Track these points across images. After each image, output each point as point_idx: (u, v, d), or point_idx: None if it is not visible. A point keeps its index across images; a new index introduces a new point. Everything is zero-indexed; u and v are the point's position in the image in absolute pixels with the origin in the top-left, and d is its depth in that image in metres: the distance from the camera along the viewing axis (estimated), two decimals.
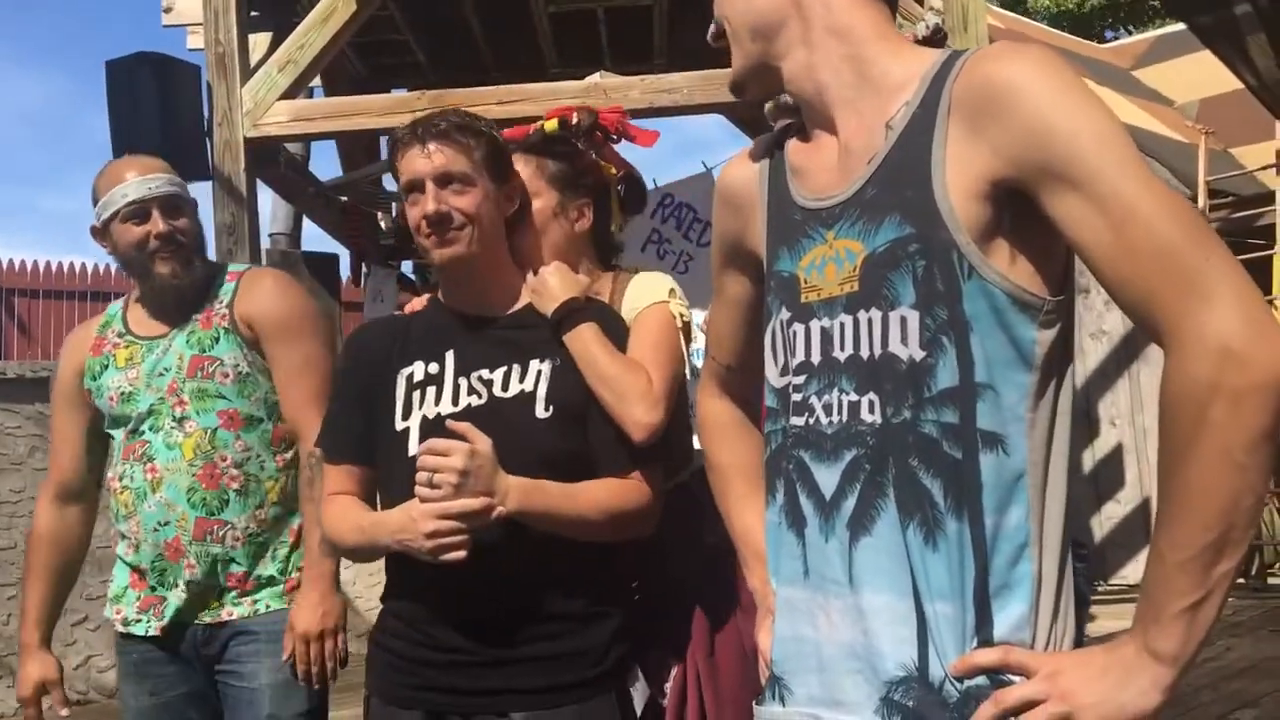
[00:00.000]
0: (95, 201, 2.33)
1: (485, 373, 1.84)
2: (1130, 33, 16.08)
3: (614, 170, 2.19)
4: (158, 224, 2.28)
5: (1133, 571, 7.65)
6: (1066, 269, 1.13)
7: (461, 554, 1.65)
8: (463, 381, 1.83)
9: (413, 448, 1.79)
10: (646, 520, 1.85)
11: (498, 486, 1.67)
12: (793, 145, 1.30)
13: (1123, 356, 7.89)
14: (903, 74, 1.17)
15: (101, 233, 2.34)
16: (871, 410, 1.14)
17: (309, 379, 2.29)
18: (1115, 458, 7.91)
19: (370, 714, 1.88)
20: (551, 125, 2.11)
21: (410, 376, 1.86)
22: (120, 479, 2.30)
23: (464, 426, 1.68)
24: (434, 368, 1.85)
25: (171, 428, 2.27)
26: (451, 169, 1.82)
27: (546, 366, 1.84)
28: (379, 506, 1.90)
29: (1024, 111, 1.05)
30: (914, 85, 1.15)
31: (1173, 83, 10.56)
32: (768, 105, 1.92)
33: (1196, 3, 4.88)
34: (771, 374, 1.27)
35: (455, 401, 1.82)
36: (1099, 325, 7.75)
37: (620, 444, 1.83)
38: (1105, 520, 7.82)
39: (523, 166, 2.03)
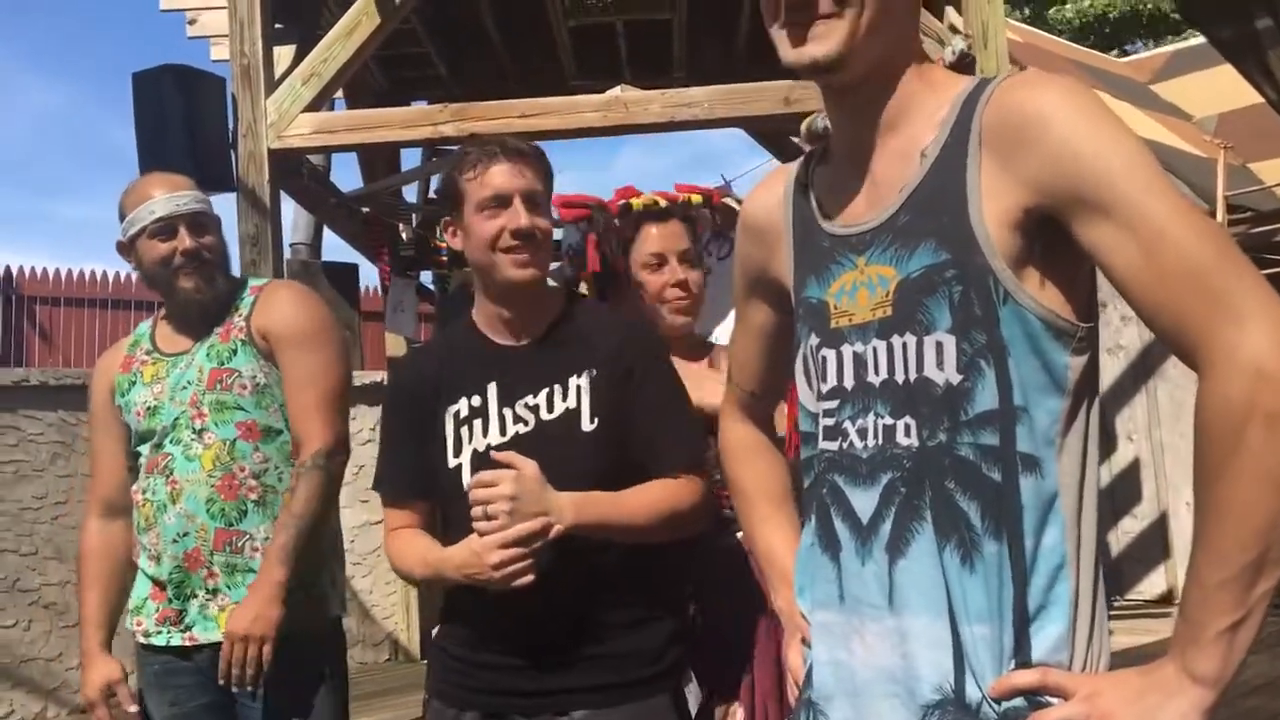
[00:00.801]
0: (122, 218, 2.37)
1: (530, 399, 1.87)
2: (1149, 47, 16.05)
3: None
4: (184, 240, 2.32)
5: (1149, 586, 7.62)
6: (1091, 296, 1.14)
7: (530, 577, 1.71)
8: (507, 412, 1.87)
9: (467, 482, 1.82)
10: (699, 518, 1.91)
11: (550, 505, 1.72)
12: (818, 173, 1.30)
13: (1140, 372, 7.87)
14: (935, 101, 1.18)
15: (128, 249, 2.38)
16: (908, 434, 1.15)
17: (315, 387, 2.31)
18: (1132, 473, 7.88)
19: (430, 714, 1.94)
20: (697, 199, 2.44)
21: (457, 414, 1.90)
22: (143, 492, 2.33)
23: (507, 455, 1.75)
24: (477, 400, 1.89)
25: (191, 440, 2.29)
26: (535, 190, 1.89)
27: (585, 380, 1.87)
28: (441, 540, 1.92)
29: (1052, 140, 1.06)
30: (944, 112, 1.16)
31: (1191, 97, 10.53)
32: (803, 126, 1.98)
33: (1217, 16, 4.88)
34: (806, 399, 1.28)
35: (503, 432, 1.87)
36: (1116, 340, 7.73)
37: (667, 446, 1.88)
38: (1122, 535, 7.79)
39: (676, 228, 2.36)
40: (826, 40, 1.15)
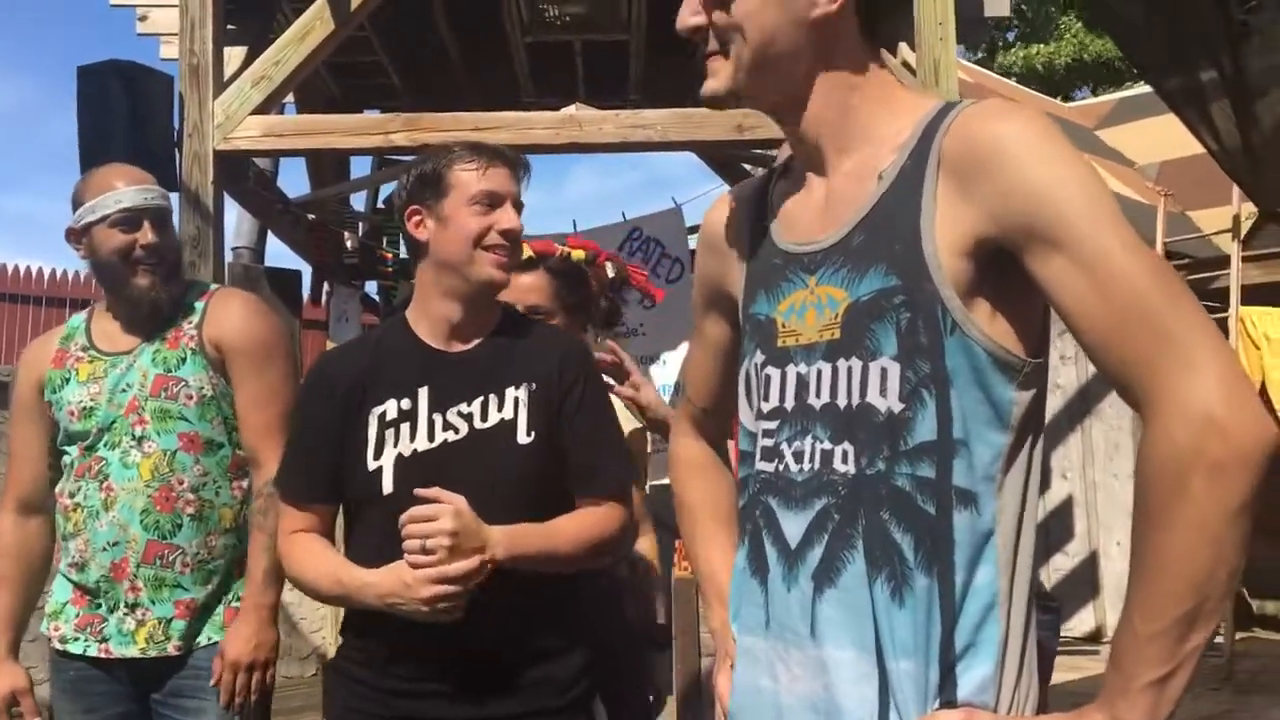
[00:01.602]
0: (76, 205, 2.29)
1: (464, 406, 1.84)
2: (1096, 94, 16.39)
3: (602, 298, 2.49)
4: (147, 235, 2.26)
5: (1078, 623, 7.71)
6: (1043, 332, 1.13)
7: (459, 614, 1.69)
8: (438, 418, 1.84)
9: (387, 486, 1.80)
10: (621, 544, 1.94)
11: (486, 539, 1.71)
12: (778, 189, 1.29)
13: (1075, 410, 8.00)
14: (896, 124, 1.17)
15: (79, 235, 2.30)
16: (845, 460, 1.13)
17: (271, 408, 2.26)
18: (1065, 510, 8.00)
19: None
20: (579, 255, 2.36)
21: (383, 415, 1.85)
22: (71, 496, 2.25)
23: (434, 491, 1.71)
24: (406, 404, 1.85)
25: (130, 446, 2.22)
26: (520, 201, 1.91)
27: (523, 393, 1.86)
28: (343, 544, 1.89)
29: (1010, 172, 1.05)
30: (905, 135, 1.15)
31: (1134, 144, 10.75)
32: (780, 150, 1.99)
33: (1164, 67, 4.99)
34: (746, 417, 1.27)
35: (431, 438, 1.83)
36: (1054, 379, 7.86)
37: (594, 470, 1.88)
38: (1054, 572, 7.89)
39: (538, 281, 2.30)
40: (717, 77, 1.21)
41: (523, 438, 1.84)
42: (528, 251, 2.31)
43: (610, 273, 2.37)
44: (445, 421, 1.83)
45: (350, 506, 1.90)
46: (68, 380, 2.31)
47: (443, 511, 1.68)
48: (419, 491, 1.72)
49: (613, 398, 2.05)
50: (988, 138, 1.08)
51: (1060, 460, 8.02)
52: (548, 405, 1.86)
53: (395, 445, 1.83)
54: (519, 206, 1.90)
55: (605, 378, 2.13)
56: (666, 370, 5.02)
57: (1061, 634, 7.58)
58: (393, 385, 1.86)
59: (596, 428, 1.91)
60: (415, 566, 1.68)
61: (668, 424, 2.09)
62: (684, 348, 4.79)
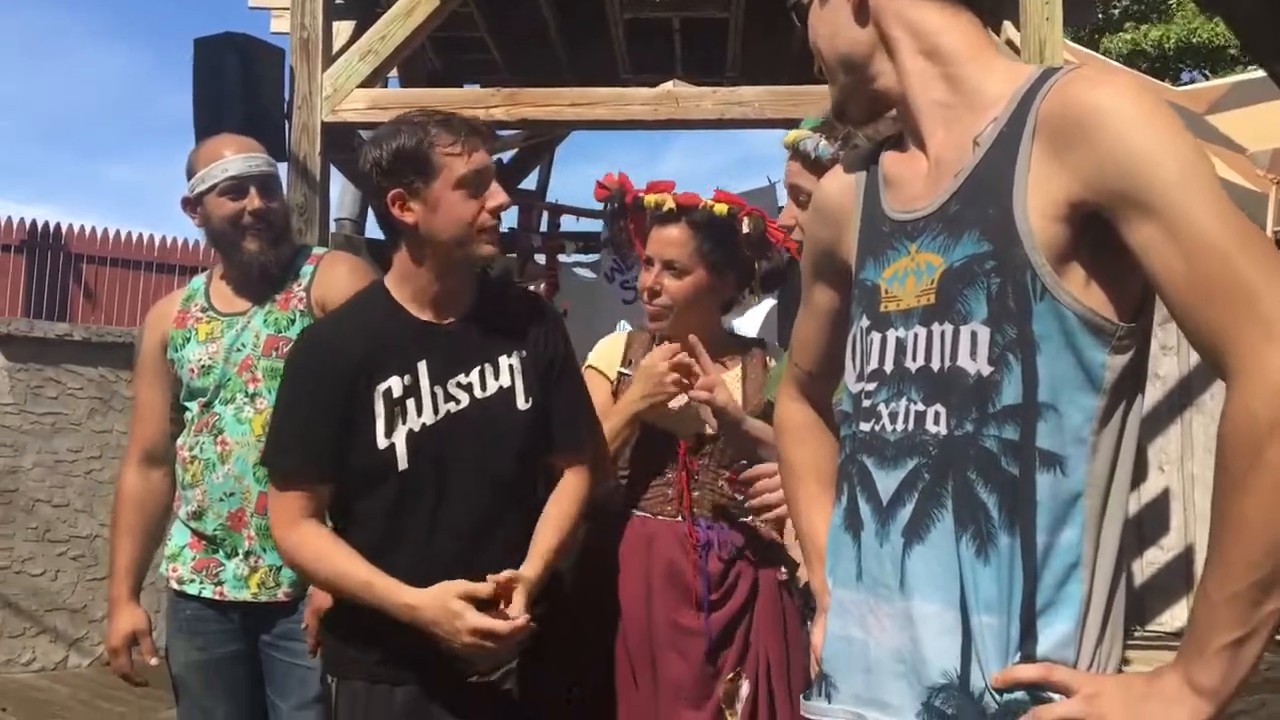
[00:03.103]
0: (190, 175, 2.40)
1: (462, 377, 1.89)
2: (1207, 77, 15.86)
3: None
4: (254, 201, 2.36)
5: (1170, 619, 7.55)
6: (1143, 297, 1.13)
7: (495, 661, 1.86)
8: (439, 390, 1.89)
9: (402, 463, 1.85)
10: (597, 491, 2.07)
11: (533, 583, 1.86)
12: (889, 156, 1.32)
13: (1175, 402, 7.79)
14: (995, 91, 1.19)
15: (193, 204, 2.41)
16: (937, 421, 1.16)
17: None
18: (1161, 503, 7.81)
19: (343, 697, 1.92)
20: (722, 209, 2.29)
21: (389, 392, 1.87)
22: (190, 449, 2.37)
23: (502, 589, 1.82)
24: (408, 379, 1.88)
25: (243, 403, 2.33)
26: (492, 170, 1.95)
27: (516, 360, 1.94)
28: (346, 522, 1.92)
29: (1108, 137, 1.06)
30: (1004, 103, 1.17)
31: (1246, 130, 10.39)
32: (789, 139, 1.97)
33: (1275, 50, 4.83)
34: (850, 379, 1.30)
35: (436, 411, 1.88)
36: (1154, 369, 7.67)
37: (575, 434, 2.00)
38: (1146, 565, 7.72)
39: (680, 235, 2.26)
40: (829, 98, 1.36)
41: (521, 404, 1.92)
42: (670, 203, 2.29)
43: (746, 228, 2.33)
44: (446, 393, 1.89)
45: (351, 483, 1.89)
46: (188, 339, 2.42)
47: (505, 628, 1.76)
48: (492, 590, 1.81)
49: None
50: (1086, 103, 1.09)
51: (1158, 452, 7.82)
52: (537, 371, 1.94)
53: (404, 422, 1.86)
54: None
55: (676, 377, 2.14)
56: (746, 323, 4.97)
57: (1152, 628, 7.40)
58: (392, 361, 1.88)
59: (578, 393, 2.05)
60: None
61: (739, 427, 2.10)
62: (765, 306, 4.77)
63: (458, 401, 1.88)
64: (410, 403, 1.87)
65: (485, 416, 1.89)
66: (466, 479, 1.87)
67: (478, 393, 1.89)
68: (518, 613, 1.77)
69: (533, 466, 1.96)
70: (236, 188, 2.35)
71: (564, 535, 1.95)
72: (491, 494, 1.89)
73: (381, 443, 1.85)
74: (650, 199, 2.31)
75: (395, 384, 1.87)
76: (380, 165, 1.86)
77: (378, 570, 1.81)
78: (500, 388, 1.91)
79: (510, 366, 1.92)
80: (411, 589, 1.78)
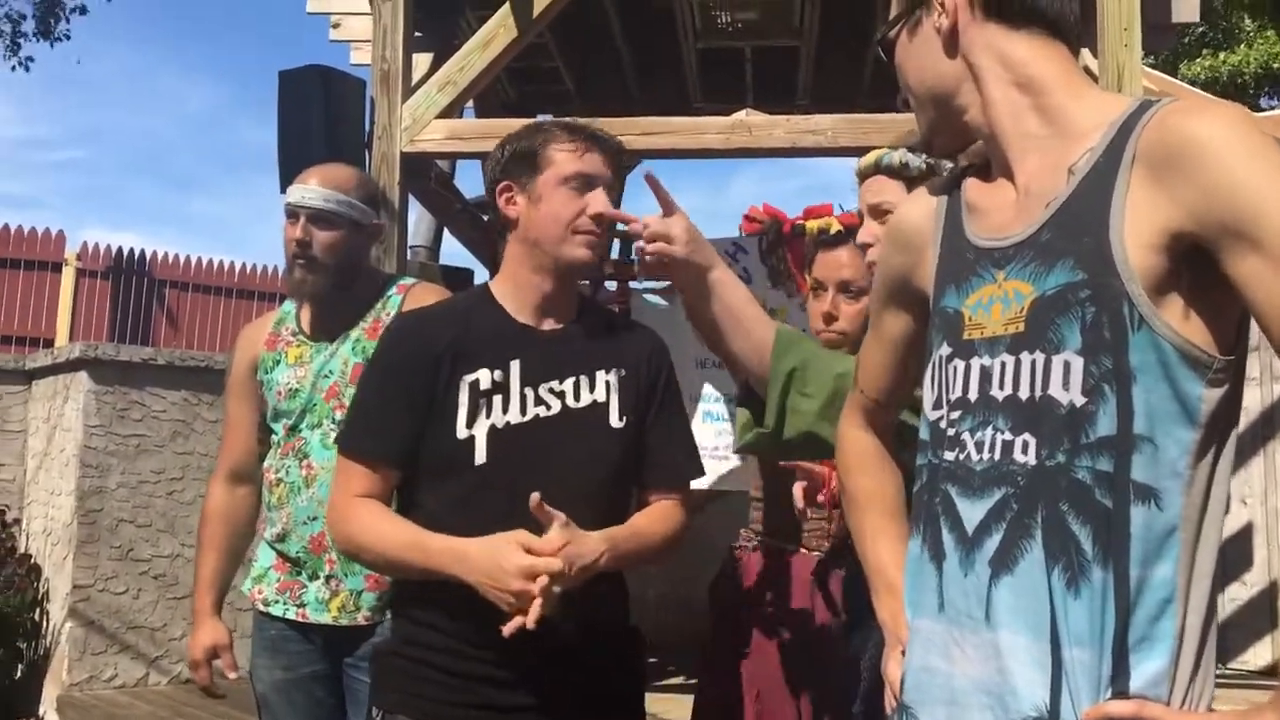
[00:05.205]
0: None
1: (555, 384, 1.83)
2: None
3: None
4: (295, 231, 2.36)
5: (1253, 656, 7.34)
6: (1240, 330, 1.12)
7: (540, 615, 1.63)
8: (529, 392, 1.82)
9: (479, 457, 1.78)
10: (682, 539, 1.93)
11: (593, 549, 1.71)
12: (971, 184, 1.32)
13: (1259, 433, 7.59)
14: (1088, 121, 1.18)
15: None
16: (1025, 451, 1.15)
17: None
18: (1244, 537, 7.60)
19: None
20: None
21: (476, 384, 1.81)
22: (276, 471, 2.41)
23: (541, 506, 1.66)
24: (499, 375, 1.82)
25: (330, 429, 2.35)
26: (614, 185, 1.90)
27: (613, 377, 1.87)
28: (411, 513, 1.84)
29: (1211, 167, 1.06)
30: (1100, 132, 1.16)
31: None
32: (865, 162, 1.95)
33: None
34: (928, 406, 1.29)
35: (524, 412, 1.81)
36: None
37: (672, 466, 1.93)
38: (1229, 601, 7.52)
39: (850, 257, 2.24)
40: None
41: (615, 421, 1.85)
42: (836, 225, 2.27)
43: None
44: (537, 396, 1.82)
45: (424, 473, 1.84)
46: (278, 362, 2.46)
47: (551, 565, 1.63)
48: (535, 508, 1.66)
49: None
50: (1189, 133, 1.08)
51: (1241, 485, 7.62)
52: (636, 393, 1.88)
53: (488, 416, 1.80)
54: (612, 191, 1.86)
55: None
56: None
57: (1234, 666, 7.22)
58: (483, 354, 1.83)
59: (677, 423, 1.96)
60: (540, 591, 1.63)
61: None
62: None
63: (548, 407, 1.82)
64: (497, 398, 1.81)
65: (576, 427, 1.82)
66: (545, 487, 1.71)
67: (569, 401, 1.83)
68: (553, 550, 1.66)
69: (619, 491, 1.87)
70: (290, 215, 2.39)
71: (640, 537, 1.83)
72: (569, 508, 1.72)
73: (461, 433, 1.79)
74: (813, 224, 2.30)
75: (484, 376, 1.81)
76: (500, 161, 1.89)
77: (424, 531, 1.74)
78: (594, 401, 1.85)
79: (607, 382, 1.86)
80: (465, 539, 1.70)
